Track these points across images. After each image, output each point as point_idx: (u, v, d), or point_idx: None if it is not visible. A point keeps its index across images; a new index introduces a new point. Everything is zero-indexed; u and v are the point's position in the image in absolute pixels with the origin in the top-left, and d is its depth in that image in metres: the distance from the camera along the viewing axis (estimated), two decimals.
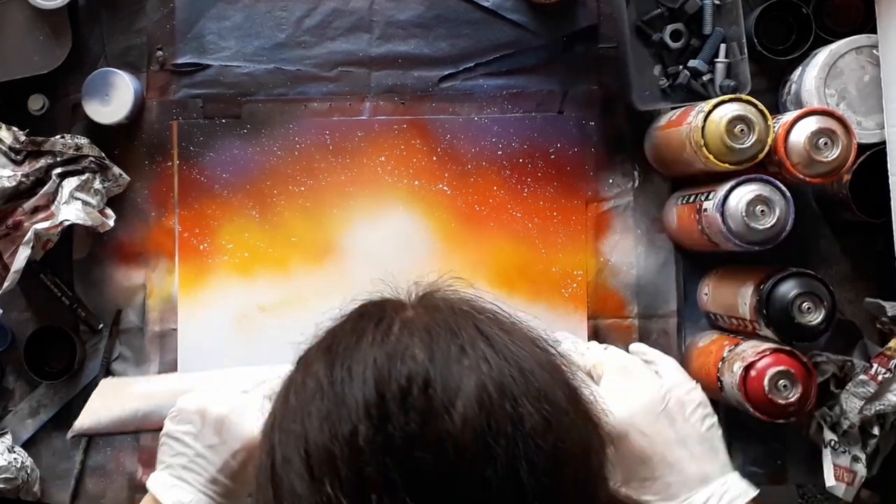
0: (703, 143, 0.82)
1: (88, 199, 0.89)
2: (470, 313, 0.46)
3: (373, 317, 0.46)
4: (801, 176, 0.82)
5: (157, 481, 0.68)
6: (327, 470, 0.41)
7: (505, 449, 0.40)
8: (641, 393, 0.65)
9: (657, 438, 0.62)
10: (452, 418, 0.40)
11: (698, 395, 0.66)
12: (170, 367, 0.94)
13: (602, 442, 0.46)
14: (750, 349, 0.83)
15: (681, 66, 0.92)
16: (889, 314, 0.89)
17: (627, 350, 0.75)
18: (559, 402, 0.43)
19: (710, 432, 0.64)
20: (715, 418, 0.66)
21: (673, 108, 0.91)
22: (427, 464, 0.40)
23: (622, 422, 0.62)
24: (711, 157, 0.82)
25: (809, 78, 0.89)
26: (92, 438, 0.93)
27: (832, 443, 0.87)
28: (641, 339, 0.94)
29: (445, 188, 0.95)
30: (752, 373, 0.81)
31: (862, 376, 0.86)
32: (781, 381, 0.82)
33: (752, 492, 0.63)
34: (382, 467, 0.40)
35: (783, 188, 0.82)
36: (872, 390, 0.85)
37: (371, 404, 0.41)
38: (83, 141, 0.91)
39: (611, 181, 0.96)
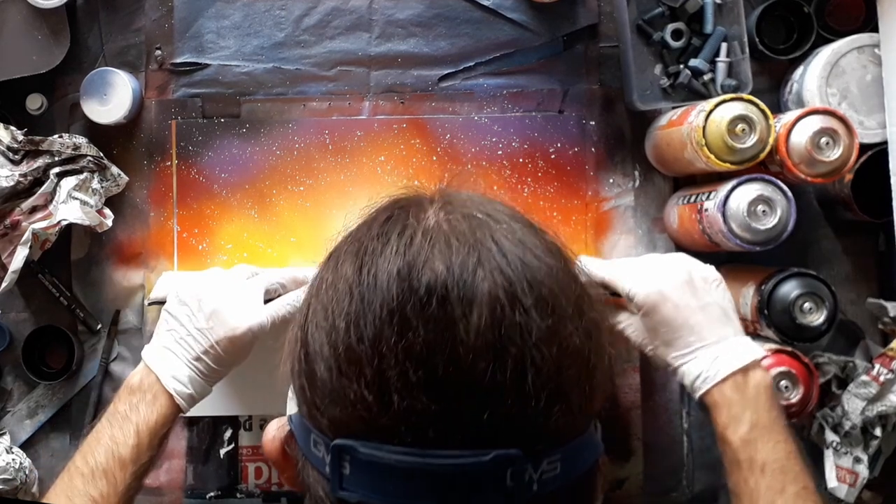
0: (704, 143, 0.81)
1: (87, 198, 0.89)
2: (487, 223, 0.49)
3: (398, 222, 0.49)
4: (803, 176, 0.82)
5: (149, 352, 0.75)
6: (354, 369, 0.45)
7: (514, 356, 0.44)
8: (671, 270, 0.75)
9: (683, 307, 0.72)
10: (468, 328, 0.44)
11: (715, 272, 0.76)
12: None
13: (604, 345, 0.49)
14: None
15: (682, 66, 0.91)
16: (891, 314, 0.88)
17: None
18: (565, 311, 0.47)
19: (726, 303, 0.74)
20: (729, 293, 0.75)
21: (674, 108, 0.91)
22: (444, 369, 0.44)
23: (656, 293, 0.72)
24: (713, 156, 0.82)
25: (811, 77, 0.89)
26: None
27: (834, 444, 0.87)
28: None
29: None
30: None
31: (864, 377, 0.85)
32: (783, 382, 0.82)
33: (756, 354, 0.71)
34: (403, 370, 0.44)
35: (784, 188, 0.82)
36: (874, 391, 0.85)
37: (394, 312, 0.45)
38: (81, 140, 0.91)
39: (611, 181, 0.96)
